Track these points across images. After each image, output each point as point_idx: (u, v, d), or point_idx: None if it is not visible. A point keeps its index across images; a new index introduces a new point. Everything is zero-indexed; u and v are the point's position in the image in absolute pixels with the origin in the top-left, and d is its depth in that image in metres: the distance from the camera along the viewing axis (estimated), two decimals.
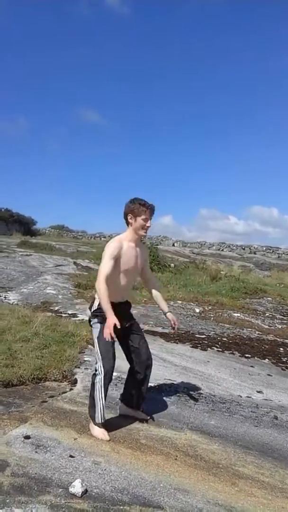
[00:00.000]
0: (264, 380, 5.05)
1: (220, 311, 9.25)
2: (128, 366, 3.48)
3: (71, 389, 3.85)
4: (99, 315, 3.23)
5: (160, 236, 39.78)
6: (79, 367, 4.43)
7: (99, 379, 3.11)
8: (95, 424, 3.11)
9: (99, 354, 3.16)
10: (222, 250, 37.01)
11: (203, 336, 6.89)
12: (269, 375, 5.29)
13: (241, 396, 4.38)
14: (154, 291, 3.75)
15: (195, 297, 10.44)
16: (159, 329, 6.99)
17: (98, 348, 3.18)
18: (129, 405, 3.46)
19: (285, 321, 9.23)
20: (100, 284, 3.05)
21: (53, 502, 2.26)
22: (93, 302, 3.37)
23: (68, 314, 7.44)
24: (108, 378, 3.12)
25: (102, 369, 3.11)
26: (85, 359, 4.78)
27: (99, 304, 3.22)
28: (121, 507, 2.31)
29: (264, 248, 38.30)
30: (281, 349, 6.76)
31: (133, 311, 8.06)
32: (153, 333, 6.62)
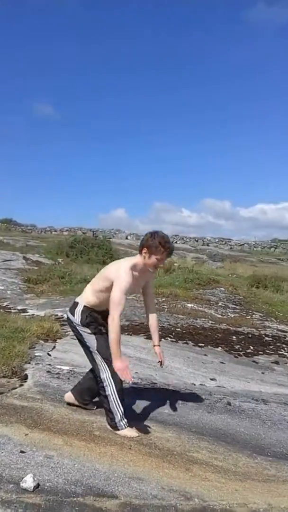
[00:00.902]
0: (217, 368, 5.14)
1: (174, 302, 9.33)
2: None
3: (21, 385, 3.75)
4: (91, 324, 3.17)
5: (113, 229, 39.72)
6: (29, 363, 4.33)
7: (111, 390, 3.07)
8: (119, 431, 3.08)
9: (105, 365, 3.09)
10: (176, 242, 37.41)
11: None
12: (222, 362, 5.38)
13: (194, 384, 4.42)
14: (150, 319, 3.54)
15: None
16: None
17: (101, 359, 3.11)
18: (79, 397, 3.41)
19: (237, 310, 9.43)
20: (116, 324, 2.89)
21: (3, 498, 2.19)
22: (75, 307, 3.25)
23: (18, 309, 7.28)
24: (119, 387, 3.09)
25: (111, 380, 3.06)
26: (36, 354, 4.67)
27: (87, 311, 3.19)
28: (75, 499, 2.26)
29: (217, 240, 39.11)
30: (234, 337, 6.90)
31: None
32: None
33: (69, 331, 5.85)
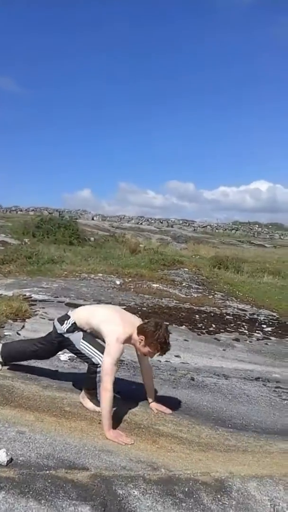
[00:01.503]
0: (182, 345, 5.33)
1: (140, 283, 9.47)
2: None
3: None
4: (77, 329, 3.23)
5: (79, 210, 39.39)
6: None
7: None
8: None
9: (95, 350, 3.12)
10: (141, 223, 37.53)
11: (124, 307, 6.99)
12: (186, 340, 5.58)
13: (160, 361, 4.58)
14: (146, 378, 3.48)
15: (116, 270, 10.58)
16: (81, 302, 7.02)
17: (90, 347, 3.14)
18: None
19: (200, 290, 9.68)
20: (109, 396, 2.88)
21: None
22: (66, 319, 3.27)
23: None
24: None
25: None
26: (5, 333, 4.71)
27: (76, 326, 3.22)
28: (47, 472, 2.36)
29: (181, 222, 39.49)
30: (197, 316, 7.12)
31: (54, 285, 8.04)
32: (75, 306, 6.60)
33: (38, 310, 5.91)
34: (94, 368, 3.11)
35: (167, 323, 6.18)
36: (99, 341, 3.19)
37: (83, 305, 6.60)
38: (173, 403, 3.53)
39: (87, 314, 3.27)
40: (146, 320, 3.23)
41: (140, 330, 3.07)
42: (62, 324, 3.26)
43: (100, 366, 3.05)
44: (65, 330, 3.23)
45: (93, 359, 3.11)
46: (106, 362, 2.95)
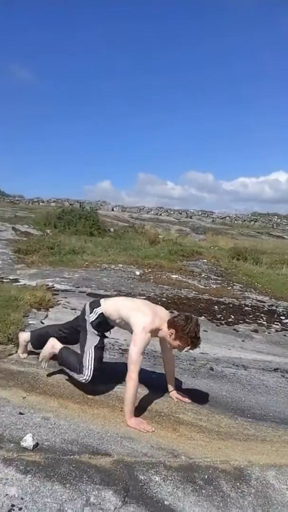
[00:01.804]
0: (201, 336, 5.34)
1: (159, 273, 9.52)
2: None
3: (17, 351, 3.91)
4: (100, 326, 3.32)
5: (99, 201, 39.59)
6: (24, 330, 4.48)
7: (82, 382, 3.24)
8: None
9: (92, 363, 3.20)
10: (160, 214, 37.50)
11: (144, 297, 7.09)
12: (205, 331, 5.60)
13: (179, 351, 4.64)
14: (167, 366, 3.54)
15: (135, 260, 10.64)
16: (102, 292, 7.12)
17: (92, 357, 3.22)
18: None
19: (219, 281, 9.68)
20: (134, 384, 2.95)
21: (5, 456, 2.36)
22: (96, 306, 3.34)
23: (10, 279, 7.36)
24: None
25: (89, 378, 3.20)
26: (30, 322, 4.82)
27: (102, 317, 3.30)
28: (71, 457, 2.46)
29: (200, 213, 39.35)
30: (216, 307, 7.14)
31: (75, 275, 8.15)
32: (96, 296, 6.72)
33: (60, 300, 6.02)
34: (78, 373, 3.22)
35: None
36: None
37: (105, 295, 6.72)
38: (192, 393, 3.59)
39: (118, 304, 3.32)
40: (176, 314, 3.27)
41: (171, 324, 3.11)
42: (91, 311, 3.32)
43: (83, 379, 3.19)
44: (90, 320, 3.30)
45: (83, 368, 3.20)
46: (133, 352, 3.00)
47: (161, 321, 3.15)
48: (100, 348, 3.31)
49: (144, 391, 3.46)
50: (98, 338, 3.31)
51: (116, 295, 6.81)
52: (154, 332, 3.13)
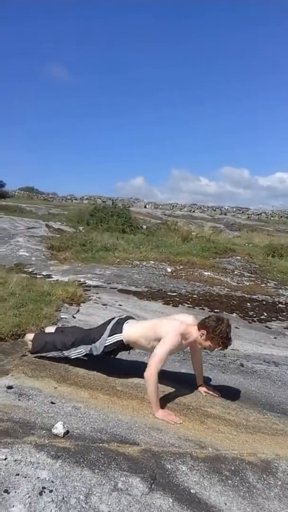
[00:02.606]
0: (232, 332, 5.34)
1: (191, 270, 9.53)
2: None
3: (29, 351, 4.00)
4: (112, 347, 3.37)
5: (132, 198, 39.80)
6: (56, 324, 4.60)
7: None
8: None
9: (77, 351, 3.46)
10: (194, 211, 37.36)
11: (175, 294, 7.14)
12: (236, 327, 5.60)
13: None
14: (195, 364, 3.57)
15: (167, 257, 10.68)
16: (133, 288, 7.20)
17: (80, 351, 3.45)
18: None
19: (252, 279, 9.60)
20: (153, 379, 2.97)
21: (37, 442, 2.45)
22: (114, 334, 3.35)
23: (43, 275, 7.55)
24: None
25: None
26: (62, 316, 4.95)
27: (120, 344, 3.35)
28: (100, 445, 2.53)
29: (234, 209, 38.90)
30: (248, 304, 7.10)
31: (107, 272, 8.26)
32: (127, 292, 6.83)
33: (92, 296, 6.14)
34: (62, 350, 3.46)
35: (218, 310, 6.24)
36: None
37: (135, 291, 6.79)
38: (221, 387, 3.61)
39: (142, 330, 3.30)
40: (208, 315, 3.29)
41: (202, 325, 3.15)
42: (111, 334, 3.34)
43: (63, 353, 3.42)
44: (105, 344, 3.34)
45: (70, 349, 3.44)
46: (159, 351, 3.03)
47: (187, 326, 3.19)
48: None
49: (173, 385, 3.50)
50: (101, 353, 3.39)
51: (146, 291, 6.87)
52: (184, 337, 3.16)
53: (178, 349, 3.23)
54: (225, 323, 3.11)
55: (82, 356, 3.46)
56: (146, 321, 3.56)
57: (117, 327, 3.37)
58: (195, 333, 3.17)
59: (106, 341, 3.34)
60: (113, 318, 3.52)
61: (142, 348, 3.39)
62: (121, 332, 3.33)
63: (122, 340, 3.32)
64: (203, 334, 3.12)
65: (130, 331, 3.32)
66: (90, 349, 3.39)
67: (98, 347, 3.36)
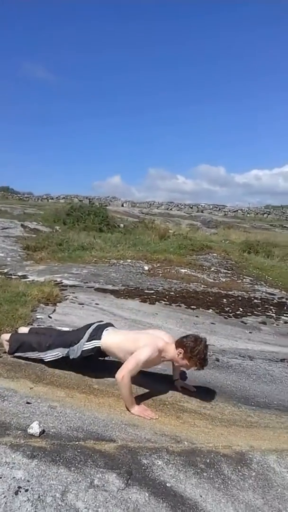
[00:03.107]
0: (208, 328, 5.42)
1: (168, 268, 9.57)
2: None
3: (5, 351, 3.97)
4: (89, 353, 3.36)
5: (109, 196, 39.73)
6: (31, 325, 4.57)
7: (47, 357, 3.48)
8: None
9: (53, 355, 3.46)
10: (171, 209, 37.51)
11: (152, 292, 7.17)
12: (212, 323, 5.67)
13: None
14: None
15: (144, 256, 10.70)
16: (110, 287, 7.20)
17: (55, 355, 3.45)
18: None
19: (229, 275, 9.71)
20: (125, 382, 2.98)
21: (13, 442, 2.45)
22: (93, 339, 3.34)
23: (18, 275, 7.48)
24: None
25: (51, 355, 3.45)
26: (38, 316, 4.92)
27: (96, 351, 3.34)
28: (77, 443, 2.53)
29: (211, 207, 39.26)
30: (224, 300, 7.19)
31: (84, 271, 8.23)
32: (104, 291, 6.83)
33: (68, 295, 6.12)
34: (38, 350, 3.48)
35: (194, 307, 6.29)
36: None
37: (112, 290, 6.80)
38: (197, 382, 3.66)
39: (121, 341, 3.32)
40: (186, 334, 3.32)
41: (180, 344, 3.17)
42: (89, 339, 3.35)
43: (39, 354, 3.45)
44: (83, 348, 3.34)
45: (47, 351, 3.45)
46: (137, 359, 3.04)
47: (165, 343, 3.22)
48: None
49: (149, 381, 3.53)
50: (77, 359, 3.40)
51: (124, 290, 6.88)
52: (161, 354, 3.19)
53: (153, 363, 3.24)
54: (203, 344, 3.14)
55: (58, 358, 3.44)
56: (125, 333, 3.57)
57: (96, 333, 3.37)
58: (172, 351, 3.19)
59: (84, 346, 3.33)
60: (93, 323, 3.52)
61: (117, 358, 3.37)
62: (99, 339, 3.33)
63: (99, 347, 3.32)
64: (180, 353, 3.15)
65: (109, 340, 3.33)
66: (67, 352, 3.38)
67: (76, 351, 3.35)
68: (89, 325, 3.49)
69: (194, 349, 3.10)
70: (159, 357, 3.18)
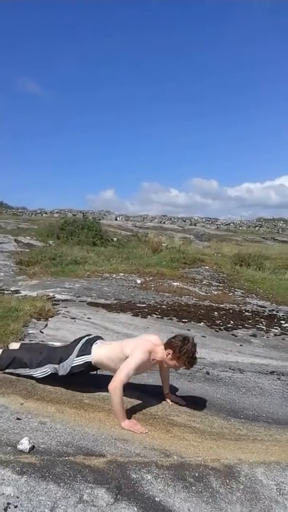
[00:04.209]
0: (199, 341, 5.38)
1: (161, 281, 9.63)
2: None
3: None
4: (76, 371, 3.37)
5: (102, 210, 39.84)
6: (23, 340, 4.58)
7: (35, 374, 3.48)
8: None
9: (41, 371, 3.45)
10: (164, 222, 37.61)
11: (144, 305, 7.21)
12: (203, 336, 5.70)
13: None
14: (163, 376, 3.61)
15: (137, 269, 10.75)
16: (102, 301, 7.23)
17: (44, 371, 3.44)
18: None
19: (220, 288, 9.77)
20: (118, 393, 3.01)
21: (2, 458, 2.45)
22: (83, 355, 3.35)
23: (11, 291, 7.49)
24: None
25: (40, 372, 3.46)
26: (29, 332, 4.94)
27: (87, 366, 3.36)
28: (66, 458, 2.55)
29: (204, 220, 39.46)
30: (216, 313, 7.24)
31: (76, 285, 8.25)
32: (96, 305, 6.86)
33: (60, 310, 6.14)
34: (29, 367, 3.47)
35: (186, 320, 6.33)
36: None
37: (104, 304, 6.82)
38: (187, 396, 3.68)
39: (110, 352, 3.34)
40: (174, 335, 3.36)
41: (168, 345, 3.22)
42: (79, 355, 3.35)
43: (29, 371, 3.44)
44: (72, 364, 3.34)
45: (37, 368, 3.45)
46: (128, 365, 3.08)
47: (154, 345, 3.27)
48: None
49: (139, 395, 3.55)
50: (67, 374, 3.40)
51: (116, 304, 6.90)
52: (151, 356, 3.23)
53: (145, 367, 3.28)
54: (191, 343, 3.19)
55: (47, 375, 3.45)
56: (113, 342, 3.60)
57: (86, 348, 3.38)
58: (161, 352, 3.24)
59: (74, 362, 3.34)
60: (82, 338, 3.53)
61: (109, 370, 3.39)
62: (89, 353, 3.35)
63: (90, 362, 3.34)
64: (169, 354, 3.20)
65: (99, 353, 3.35)
66: (55, 369, 3.39)
67: (65, 367, 3.36)
68: (78, 340, 3.51)
69: (182, 348, 3.14)
70: (149, 360, 3.21)
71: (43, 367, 3.43)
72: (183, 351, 3.15)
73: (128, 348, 3.23)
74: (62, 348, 3.63)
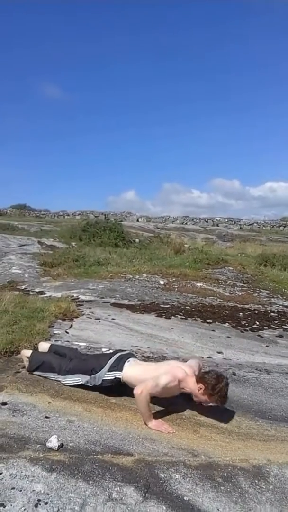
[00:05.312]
0: (224, 342, 5.42)
1: (184, 282, 9.59)
2: None
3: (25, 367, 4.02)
4: (111, 383, 3.38)
5: (124, 212, 39.99)
6: (49, 340, 4.64)
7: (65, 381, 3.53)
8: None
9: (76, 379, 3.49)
10: (186, 223, 37.58)
11: (168, 306, 7.20)
12: (228, 337, 5.66)
13: (203, 357, 4.71)
14: None
15: (160, 270, 10.72)
16: (126, 302, 7.25)
17: (76, 380, 3.49)
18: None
19: (245, 288, 9.67)
20: (142, 396, 3.02)
21: (32, 456, 2.50)
22: (114, 370, 3.36)
23: (36, 292, 7.58)
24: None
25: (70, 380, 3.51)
26: (55, 332, 4.99)
27: (116, 382, 3.36)
28: (94, 456, 2.57)
29: (227, 220, 39.21)
30: (241, 313, 7.17)
31: (100, 286, 8.29)
32: (120, 306, 6.88)
33: (85, 310, 6.18)
34: (58, 373, 3.52)
35: (210, 321, 6.28)
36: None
37: (128, 305, 6.84)
38: None
39: (141, 374, 3.30)
40: (207, 370, 3.35)
41: (201, 379, 3.18)
42: (110, 369, 3.36)
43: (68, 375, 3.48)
44: (103, 378, 3.37)
45: (66, 375, 3.49)
46: (156, 381, 3.07)
47: (186, 376, 3.22)
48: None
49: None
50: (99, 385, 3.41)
51: (140, 304, 6.91)
52: (180, 385, 3.20)
53: (170, 392, 3.22)
54: (224, 382, 3.14)
55: (77, 384, 3.47)
56: (146, 364, 3.60)
57: (118, 364, 3.38)
58: (192, 384, 3.20)
59: (105, 375, 3.36)
60: (115, 353, 3.55)
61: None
62: (121, 370, 3.35)
63: (120, 379, 3.35)
64: (201, 389, 3.15)
65: (130, 372, 3.34)
66: (87, 381, 3.42)
67: (96, 379, 3.39)
68: (111, 354, 3.53)
69: (215, 386, 3.10)
70: (177, 387, 3.19)
71: (74, 376, 3.46)
72: (216, 390, 3.10)
73: (159, 372, 3.20)
74: (93, 359, 3.63)
